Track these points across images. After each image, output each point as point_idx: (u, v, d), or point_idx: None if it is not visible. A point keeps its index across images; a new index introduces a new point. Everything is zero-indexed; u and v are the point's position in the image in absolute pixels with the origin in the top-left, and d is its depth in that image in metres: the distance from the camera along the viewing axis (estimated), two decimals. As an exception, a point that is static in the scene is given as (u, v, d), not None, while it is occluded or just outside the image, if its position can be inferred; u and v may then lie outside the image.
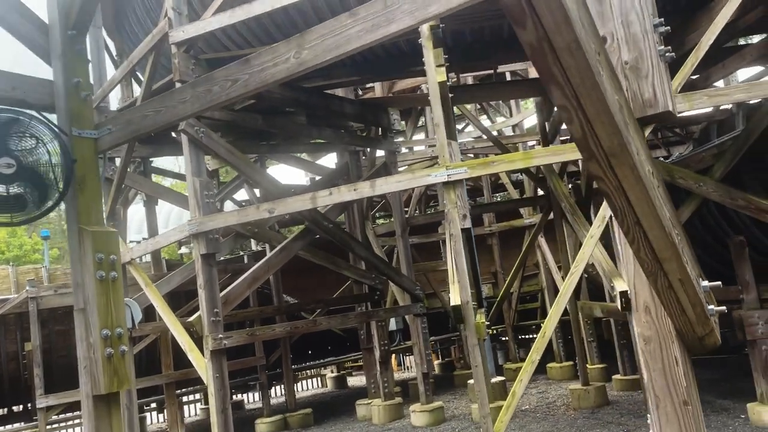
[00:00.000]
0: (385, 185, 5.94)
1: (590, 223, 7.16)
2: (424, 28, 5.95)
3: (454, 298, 5.65)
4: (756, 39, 9.68)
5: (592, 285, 10.84)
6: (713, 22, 5.49)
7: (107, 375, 3.03)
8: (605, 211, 5.47)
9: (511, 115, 15.30)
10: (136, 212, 19.72)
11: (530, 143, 12.20)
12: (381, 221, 14.78)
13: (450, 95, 6.31)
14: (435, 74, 5.84)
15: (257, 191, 12.34)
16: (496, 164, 5.75)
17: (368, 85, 12.43)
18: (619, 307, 5.45)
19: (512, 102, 12.95)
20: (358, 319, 8.94)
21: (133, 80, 9.55)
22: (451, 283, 5.95)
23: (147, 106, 3.16)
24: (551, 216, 9.43)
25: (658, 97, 3.10)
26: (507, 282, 10.07)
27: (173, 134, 9.13)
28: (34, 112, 3.20)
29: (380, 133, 9.87)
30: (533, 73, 10.38)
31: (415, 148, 13.45)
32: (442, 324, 14.33)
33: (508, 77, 11.96)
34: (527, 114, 12.33)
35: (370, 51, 7.93)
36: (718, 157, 7.02)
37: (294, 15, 7.42)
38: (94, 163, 3.30)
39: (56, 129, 3.16)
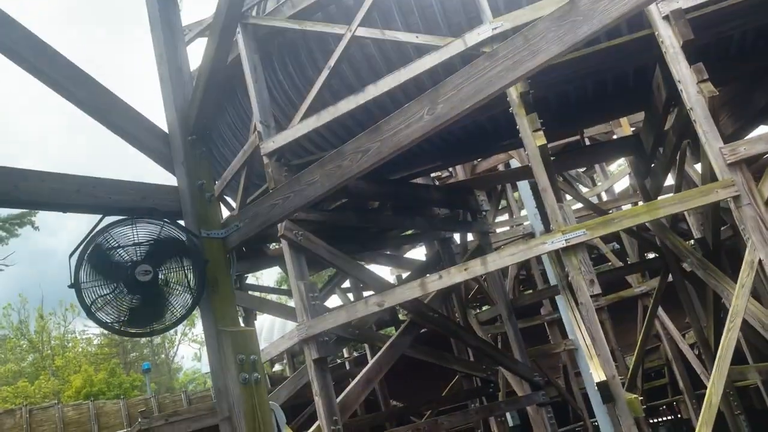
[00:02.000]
0: (498, 260, 5.62)
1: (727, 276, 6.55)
2: (514, 96, 5.84)
3: (598, 374, 5.11)
4: None
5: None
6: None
7: (262, 489, 2.75)
8: (752, 255, 4.95)
9: (594, 184, 14.85)
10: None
11: (625, 206, 11.66)
12: (477, 311, 14.23)
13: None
14: (533, 139, 5.64)
15: (350, 295, 12.22)
16: (617, 221, 5.36)
17: (444, 174, 12.43)
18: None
19: (598, 169, 12.60)
20: (480, 415, 8.33)
21: (221, 204, 9.88)
22: (589, 358, 5.42)
23: (274, 195, 3.07)
24: (669, 278, 8.74)
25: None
26: (635, 358, 9.21)
27: (269, 246, 9.23)
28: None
29: (469, 217, 9.66)
30: (618, 133, 10.08)
31: (499, 230, 13.12)
32: (562, 414, 13.26)
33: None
34: (618, 177, 11.91)
35: (450, 134, 7.89)
36: None
37: (373, 109, 7.55)
38: (224, 263, 3.20)
39: (189, 233, 3.10)
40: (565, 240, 5.34)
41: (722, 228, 8.61)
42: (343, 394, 6.78)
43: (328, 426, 6.25)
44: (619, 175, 11.71)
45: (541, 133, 5.63)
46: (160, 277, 3.01)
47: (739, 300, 4.97)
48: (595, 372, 5.14)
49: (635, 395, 5.05)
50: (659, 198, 7.24)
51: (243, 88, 7.95)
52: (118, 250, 2.92)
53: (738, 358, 9.19)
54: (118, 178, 3.10)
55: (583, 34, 2.08)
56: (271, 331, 23.42)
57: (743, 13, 6.01)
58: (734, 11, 5.90)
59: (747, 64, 7.05)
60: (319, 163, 2.90)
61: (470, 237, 11.06)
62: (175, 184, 3.39)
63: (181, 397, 22.38)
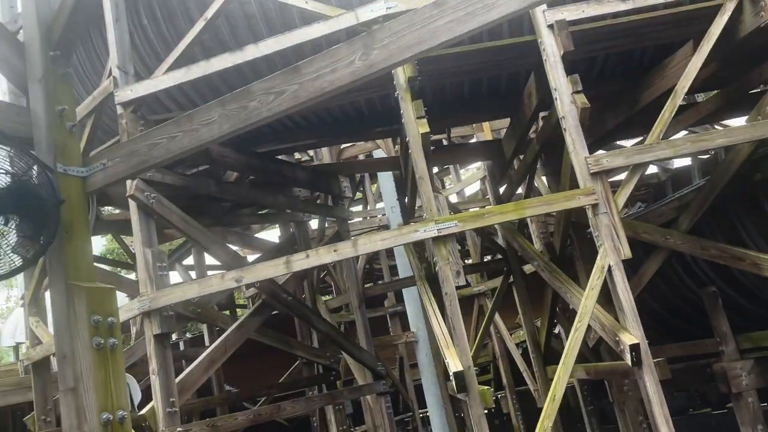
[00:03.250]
0: (369, 244, 5.48)
1: (578, 280, 6.99)
2: (401, 80, 5.74)
3: (454, 364, 5.15)
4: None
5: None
6: (685, 71, 5.64)
7: (112, 474, 2.31)
8: (603, 261, 5.28)
9: (443, 186, 15.38)
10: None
11: (473, 209, 12.19)
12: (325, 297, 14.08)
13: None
14: (416, 126, 5.59)
15: (193, 273, 11.46)
16: (488, 216, 5.48)
17: (303, 156, 12.12)
18: (629, 363, 5.18)
19: (452, 170, 13.05)
20: (323, 401, 8.16)
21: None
22: (446, 348, 5.47)
23: (157, 132, 2.62)
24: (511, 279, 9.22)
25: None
26: (471, 354, 9.58)
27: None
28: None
29: (330, 202, 9.47)
30: (479, 137, 10.46)
31: (352, 220, 13.09)
32: (393, 404, 13.52)
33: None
34: (471, 180, 12.42)
35: (327, 112, 7.64)
36: (681, 210, 7.12)
37: (248, 74, 7.07)
38: (83, 206, 2.68)
39: (42, 165, 2.54)
40: (437, 230, 5.34)
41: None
42: (183, 374, 6.26)
43: (164, 407, 5.70)
44: (471, 178, 12.27)
45: (424, 120, 5.59)
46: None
47: (588, 301, 5.28)
48: (453, 362, 5.18)
49: (487, 387, 5.17)
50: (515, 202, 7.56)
51: (98, 26, 7.05)
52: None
53: (557, 357, 9.98)
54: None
55: (546, -7, 1.96)
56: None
57: (612, 36, 6.45)
58: (606, 32, 6.30)
59: (605, 86, 7.60)
60: (220, 101, 2.52)
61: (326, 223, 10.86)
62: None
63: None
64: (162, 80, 6.23)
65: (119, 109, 6.22)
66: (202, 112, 2.53)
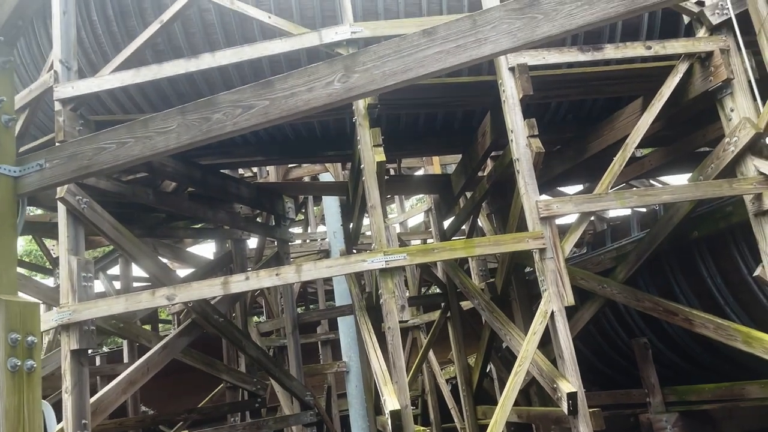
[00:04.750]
0: (314, 270, 5.27)
1: (513, 321, 6.98)
2: (360, 106, 5.64)
3: (392, 402, 4.99)
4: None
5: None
6: (636, 126, 5.79)
7: None
8: (547, 306, 5.28)
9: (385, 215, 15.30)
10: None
11: (415, 241, 12.16)
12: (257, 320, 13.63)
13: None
14: (372, 154, 5.48)
15: (117, 283, 10.88)
16: (437, 252, 5.38)
17: (246, 173, 11.82)
18: (566, 411, 5.15)
19: (397, 201, 13.00)
20: (247, 430, 7.77)
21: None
22: (384, 384, 5.30)
23: (105, 135, 2.39)
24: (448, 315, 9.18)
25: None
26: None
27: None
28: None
29: (272, 222, 9.21)
30: (428, 170, 10.47)
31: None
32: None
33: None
34: (414, 212, 12.40)
35: (278, 130, 7.44)
36: (619, 260, 7.28)
37: (200, 83, 6.82)
38: (10, 210, 2.40)
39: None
40: (386, 261, 5.21)
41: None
42: (99, 395, 5.82)
43: (75, 429, 5.26)
44: (415, 210, 12.25)
45: (381, 149, 5.50)
46: None
47: (529, 345, 5.24)
48: (390, 399, 5.02)
49: (424, 428, 5.04)
50: (464, 239, 7.55)
51: (42, 16, 6.66)
52: None
53: (487, 397, 9.95)
54: None
55: (542, 34, 1.90)
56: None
57: (567, 85, 6.59)
58: (562, 80, 6.43)
59: (555, 132, 7.76)
60: (180, 110, 2.32)
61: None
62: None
63: None
64: (107, 80, 5.90)
65: (57, 106, 5.84)
66: (159, 119, 2.32)
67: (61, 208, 5.75)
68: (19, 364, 2.19)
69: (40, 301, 7.98)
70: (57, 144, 5.68)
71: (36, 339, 2.28)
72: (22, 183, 2.45)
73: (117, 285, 10.60)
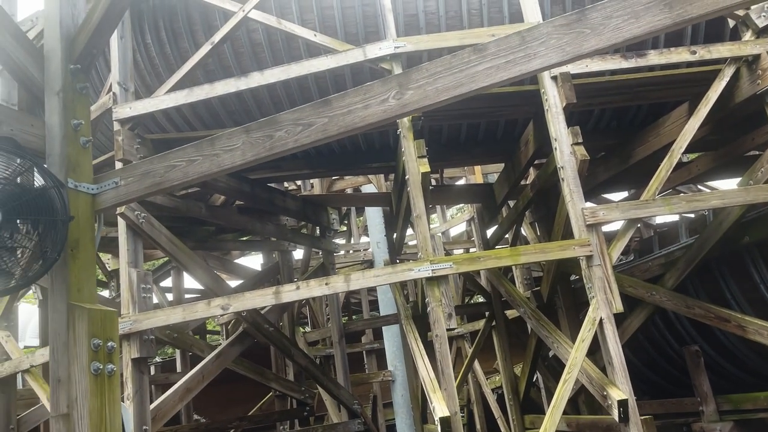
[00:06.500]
0: (362, 280, 5.40)
1: (559, 329, 6.96)
2: (404, 119, 5.76)
3: (442, 409, 5.05)
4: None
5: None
6: (683, 131, 5.75)
7: None
8: (595, 313, 5.27)
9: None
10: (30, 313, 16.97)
11: (458, 251, 12.18)
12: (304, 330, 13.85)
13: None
14: (417, 165, 5.59)
15: (169, 295, 11.22)
16: (483, 260, 5.45)
17: (291, 186, 12.06)
18: (617, 419, 5.12)
19: (438, 210, 13.08)
20: (297, 437, 7.93)
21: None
22: (432, 391, 5.37)
23: (176, 154, 2.56)
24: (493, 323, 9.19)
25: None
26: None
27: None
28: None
29: (317, 233, 9.39)
30: (470, 179, 10.52)
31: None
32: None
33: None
34: (457, 222, 12.46)
35: (324, 144, 7.62)
36: (667, 267, 7.18)
37: (249, 100, 7.07)
38: (90, 224, 2.60)
39: (53, 179, 2.45)
40: (432, 270, 5.30)
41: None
42: (158, 402, 6.06)
43: (136, 436, 5.49)
44: (457, 220, 12.31)
45: (425, 160, 5.59)
46: (3, 227, 2.34)
47: (578, 353, 5.23)
48: (439, 406, 5.08)
49: (474, 433, 5.08)
50: (509, 248, 7.58)
51: (101, 42, 7.01)
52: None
53: (534, 406, 9.88)
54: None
55: (590, 48, 1.98)
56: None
57: (611, 92, 6.59)
58: (605, 88, 6.44)
59: (599, 139, 7.73)
60: (244, 129, 2.48)
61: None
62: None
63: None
64: (163, 100, 6.17)
65: (116, 126, 6.14)
66: (225, 137, 2.48)
67: (122, 223, 6.04)
68: (101, 367, 2.37)
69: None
70: (117, 161, 6.00)
71: (115, 344, 2.46)
72: (99, 200, 2.65)
73: (169, 296, 10.95)
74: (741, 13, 5.74)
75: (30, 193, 2.37)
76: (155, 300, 10.75)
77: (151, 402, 6.09)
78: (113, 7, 2.70)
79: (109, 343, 2.42)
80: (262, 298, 5.55)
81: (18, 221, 2.34)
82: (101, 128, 6.85)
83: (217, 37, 6.24)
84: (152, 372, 10.99)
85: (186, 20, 6.74)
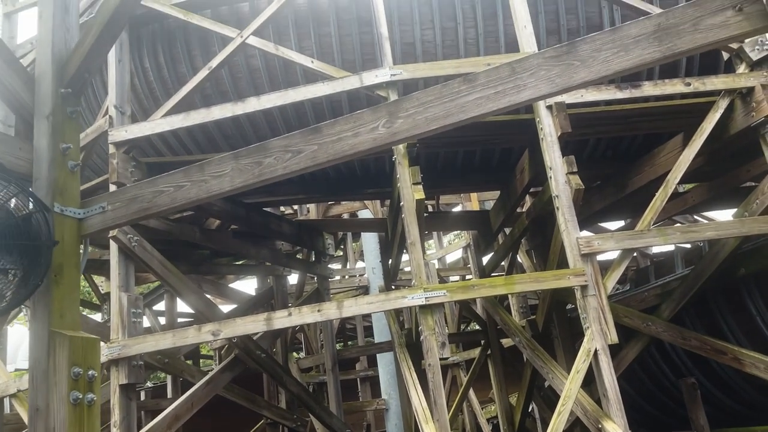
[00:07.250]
0: (355, 307, 5.36)
1: (555, 360, 6.89)
2: (400, 146, 5.76)
3: (433, 440, 4.97)
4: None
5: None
6: (677, 162, 5.76)
7: None
8: (590, 344, 5.21)
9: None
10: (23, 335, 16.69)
11: (454, 278, 12.13)
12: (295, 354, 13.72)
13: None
14: (412, 192, 5.57)
15: (162, 319, 11.12)
16: (477, 288, 5.40)
17: (287, 210, 12.05)
18: (612, 452, 5.03)
19: (435, 237, 13.06)
20: (288, 468, 7.79)
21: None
22: (425, 422, 5.29)
23: (164, 179, 2.54)
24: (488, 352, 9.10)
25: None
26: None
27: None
28: None
29: (313, 258, 9.35)
30: (466, 206, 10.52)
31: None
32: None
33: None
34: (452, 248, 12.43)
35: (320, 170, 7.63)
36: (664, 297, 7.13)
37: (245, 125, 7.08)
38: (75, 249, 2.56)
39: (39, 203, 2.43)
40: (426, 298, 5.25)
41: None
42: (146, 429, 5.94)
43: (122, 464, 5.38)
44: (453, 246, 12.27)
45: (420, 187, 5.58)
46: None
47: (572, 384, 5.16)
48: (431, 437, 5.00)
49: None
50: (504, 276, 7.53)
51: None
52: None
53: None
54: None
55: (579, 80, 1.97)
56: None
57: (606, 122, 6.61)
58: (600, 118, 6.46)
59: (594, 168, 7.74)
60: (233, 155, 2.47)
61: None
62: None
63: None
64: (159, 123, 6.18)
65: (111, 149, 6.14)
66: (214, 163, 2.47)
67: (113, 247, 6.00)
68: (80, 397, 2.31)
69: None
70: (111, 184, 5.98)
71: (96, 373, 2.40)
72: (85, 224, 2.61)
73: (162, 320, 10.85)
74: (735, 45, 5.78)
75: (14, 217, 2.34)
76: (147, 324, 10.65)
77: (139, 429, 5.99)
78: (106, 32, 2.70)
79: (90, 372, 2.37)
80: (254, 325, 5.49)
81: (4, 247, 2.30)
82: (97, 150, 6.84)
83: (215, 62, 6.27)
84: (142, 397, 10.84)
85: (184, 45, 6.79)
